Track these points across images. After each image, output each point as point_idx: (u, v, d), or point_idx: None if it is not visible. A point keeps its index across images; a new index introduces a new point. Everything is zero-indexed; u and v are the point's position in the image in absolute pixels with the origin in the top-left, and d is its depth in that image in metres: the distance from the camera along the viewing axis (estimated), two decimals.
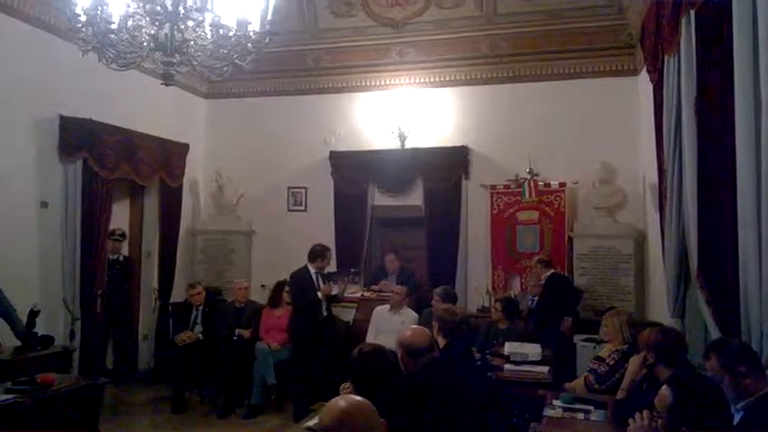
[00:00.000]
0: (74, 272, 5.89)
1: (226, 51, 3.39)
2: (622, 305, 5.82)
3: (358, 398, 1.87)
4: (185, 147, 7.44)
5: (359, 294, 6.76)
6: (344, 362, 3.21)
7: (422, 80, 7.31)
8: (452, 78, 7.23)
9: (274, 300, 6.34)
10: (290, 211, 7.77)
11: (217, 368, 6.08)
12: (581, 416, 3.34)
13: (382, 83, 7.46)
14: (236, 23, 3.32)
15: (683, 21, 3.78)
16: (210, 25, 3.27)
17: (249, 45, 3.42)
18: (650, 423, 2.30)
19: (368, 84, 7.52)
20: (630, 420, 2.38)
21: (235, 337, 6.20)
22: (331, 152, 7.49)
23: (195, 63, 3.39)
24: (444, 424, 2.82)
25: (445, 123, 7.24)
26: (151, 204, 7.30)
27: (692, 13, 3.60)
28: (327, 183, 7.52)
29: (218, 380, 6.10)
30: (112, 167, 6.21)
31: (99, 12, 3.20)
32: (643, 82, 5.73)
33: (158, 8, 3.16)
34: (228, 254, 7.71)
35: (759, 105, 2.75)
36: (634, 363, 3.66)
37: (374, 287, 6.80)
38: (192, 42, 3.31)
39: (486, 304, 6.59)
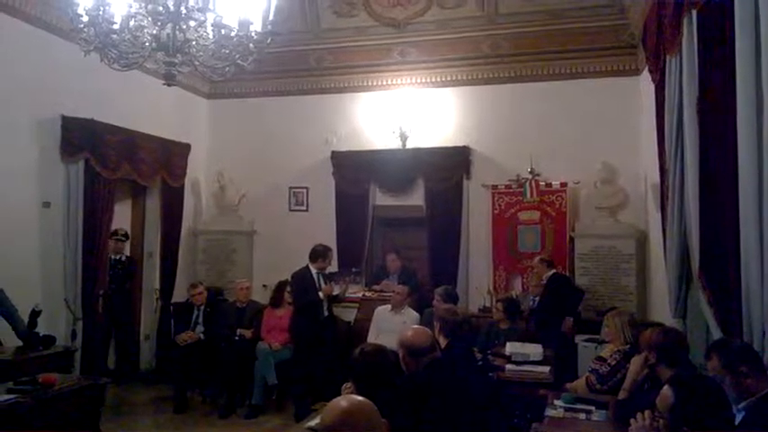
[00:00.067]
0: (75, 272, 5.89)
1: (228, 51, 3.39)
2: (624, 305, 5.82)
3: (359, 398, 1.86)
4: (187, 147, 7.45)
5: (360, 294, 6.73)
6: (346, 362, 3.21)
7: (423, 80, 7.32)
8: (454, 78, 7.23)
9: (276, 300, 6.34)
10: (291, 211, 7.78)
11: (218, 368, 6.08)
12: (582, 416, 3.33)
13: (384, 83, 7.46)
14: (238, 23, 3.32)
15: (685, 21, 3.78)
16: (212, 25, 3.27)
17: (251, 45, 3.41)
18: (652, 423, 2.30)
19: (369, 84, 7.53)
20: (632, 420, 2.39)
21: (236, 337, 6.20)
22: (332, 152, 7.49)
23: (197, 63, 3.39)
24: (445, 424, 2.82)
25: (447, 123, 7.25)
26: (153, 204, 7.31)
27: (694, 12, 3.59)
28: (329, 183, 7.53)
29: (220, 380, 6.10)
30: (114, 167, 6.22)
31: (101, 12, 3.20)
32: (645, 82, 5.73)
33: (160, 8, 3.16)
34: (230, 254, 7.72)
35: (761, 105, 2.75)
36: (635, 363, 3.65)
37: (375, 287, 6.79)
38: (193, 42, 3.31)
39: (488, 304, 6.60)
